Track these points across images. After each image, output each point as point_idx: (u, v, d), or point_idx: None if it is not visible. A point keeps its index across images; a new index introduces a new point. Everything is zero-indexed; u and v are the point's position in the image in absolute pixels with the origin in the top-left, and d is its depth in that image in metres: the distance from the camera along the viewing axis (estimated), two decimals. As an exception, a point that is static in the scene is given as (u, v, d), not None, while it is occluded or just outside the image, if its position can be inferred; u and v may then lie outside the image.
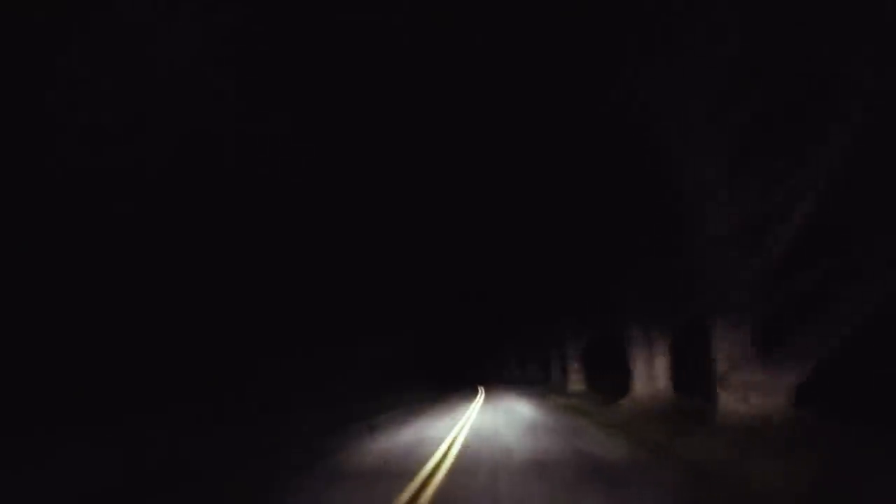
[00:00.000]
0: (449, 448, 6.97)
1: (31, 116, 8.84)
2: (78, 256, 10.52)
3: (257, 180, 13.08)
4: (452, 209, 19.74)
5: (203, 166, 11.54)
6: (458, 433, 8.63)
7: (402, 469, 5.53)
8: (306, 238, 16.81)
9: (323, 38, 9.33)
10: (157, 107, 9.67)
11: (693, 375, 10.86)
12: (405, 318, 31.39)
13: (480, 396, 20.66)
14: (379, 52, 9.45)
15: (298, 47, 9.45)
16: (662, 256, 9.24)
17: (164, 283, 12.46)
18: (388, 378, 27.96)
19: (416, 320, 33.53)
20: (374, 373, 27.42)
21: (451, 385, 34.01)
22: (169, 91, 9.50)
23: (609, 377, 19.90)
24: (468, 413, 12.90)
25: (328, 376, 20.79)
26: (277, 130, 11.69)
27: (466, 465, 5.71)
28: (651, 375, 9.96)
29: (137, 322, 11.77)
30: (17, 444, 7.53)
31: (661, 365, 10.00)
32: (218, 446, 8.28)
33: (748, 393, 5.84)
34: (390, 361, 31.40)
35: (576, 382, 19.29)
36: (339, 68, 10.22)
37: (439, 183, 17.24)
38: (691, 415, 7.98)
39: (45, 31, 8.13)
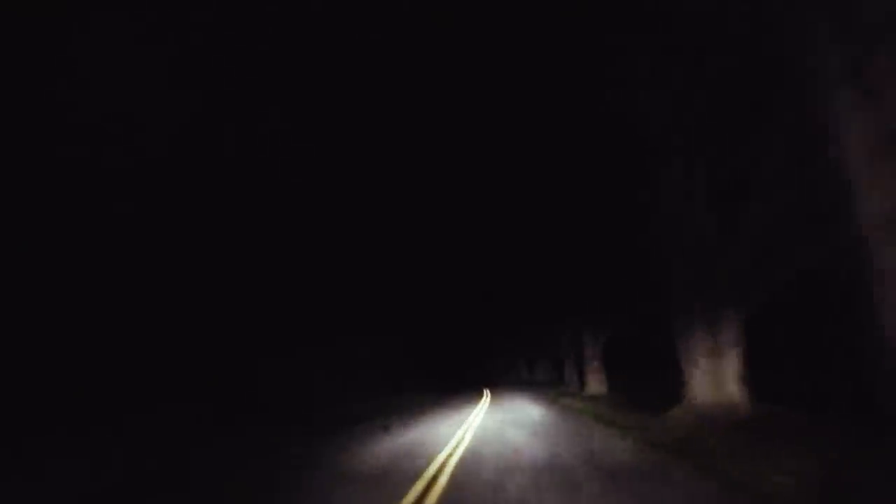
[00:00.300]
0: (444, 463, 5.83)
1: (30, 116, 8.75)
2: (76, 256, 10.39)
3: (258, 180, 13.01)
4: (455, 203, 19.15)
5: (202, 166, 11.46)
6: (459, 442, 7.39)
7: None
8: (307, 238, 16.87)
9: (323, 38, 9.18)
10: (158, 106, 9.60)
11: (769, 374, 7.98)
12: (406, 317, 30.49)
13: (486, 399, 17.86)
14: (379, 53, 9.33)
15: (298, 47, 9.33)
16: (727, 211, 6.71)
17: (166, 284, 12.40)
18: (388, 379, 26.96)
19: (417, 320, 32.54)
20: (373, 373, 26.35)
21: (455, 387, 31.19)
22: (169, 91, 9.42)
23: (632, 378, 17.35)
24: (471, 418, 11.48)
25: (328, 376, 20.60)
26: (277, 130, 11.60)
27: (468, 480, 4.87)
28: (718, 376, 7.07)
29: (139, 322, 11.74)
30: (19, 444, 7.55)
31: (732, 362, 7.12)
32: (217, 448, 8.22)
33: None
34: (391, 362, 29.51)
35: (595, 384, 16.47)
36: (339, 68, 10.07)
37: (441, 177, 16.67)
38: (812, 436, 5.09)
39: (44, 30, 7.97)
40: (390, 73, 10.02)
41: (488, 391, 25.50)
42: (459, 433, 8.52)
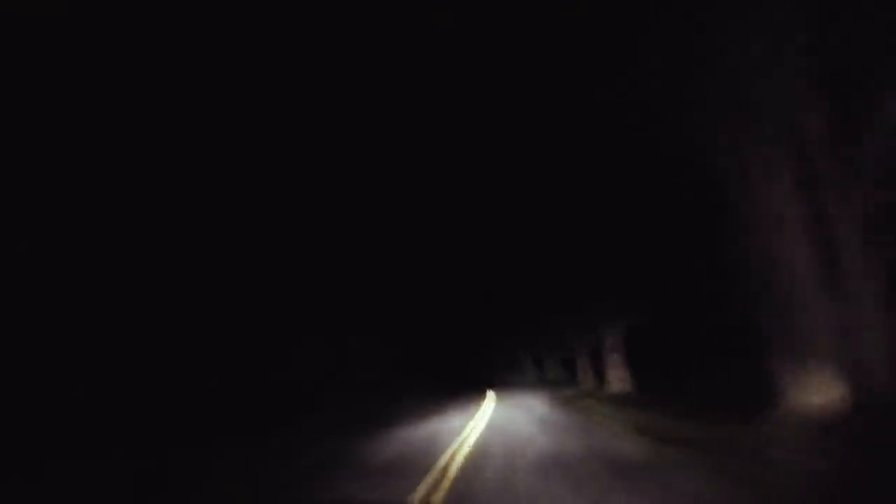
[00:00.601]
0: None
1: (29, 115, 8.68)
2: (73, 258, 10.37)
3: (255, 181, 13.00)
4: (450, 190, 17.64)
5: (203, 166, 11.47)
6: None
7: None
8: (309, 237, 16.79)
9: (323, 37, 9.10)
10: (159, 106, 9.59)
11: None
12: (403, 315, 29.21)
13: (490, 402, 15.27)
14: (379, 52, 9.32)
15: (298, 47, 9.26)
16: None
17: (169, 286, 12.33)
18: (386, 380, 25.94)
19: (415, 319, 31.15)
20: (371, 373, 25.46)
21: (456, 388, 28.67)
22: (169, 90, 9.40)
23: (657, 377, 14.64)
24: (474, 422, 10.18)
25: (328, 376, 20.13)
26: (276, 130, 11.55)
27: None
28: (854, 365, 4.35)
29: (145, 324, 11.66)
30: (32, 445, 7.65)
31: (878, 340, 4.40)
32: (217, 448, 8.28)
33: None
34: (387, 362, 27.53)
35: (617, 381, 13.81)
36: (339, 68, 10.02)
37: (437, 166, 15.66)
38: None
39: (42, 29, 7.89)
40: (391, 72, 9.90)
41: (493, 393, 22.71)
42: (448, 453, 6.11)
